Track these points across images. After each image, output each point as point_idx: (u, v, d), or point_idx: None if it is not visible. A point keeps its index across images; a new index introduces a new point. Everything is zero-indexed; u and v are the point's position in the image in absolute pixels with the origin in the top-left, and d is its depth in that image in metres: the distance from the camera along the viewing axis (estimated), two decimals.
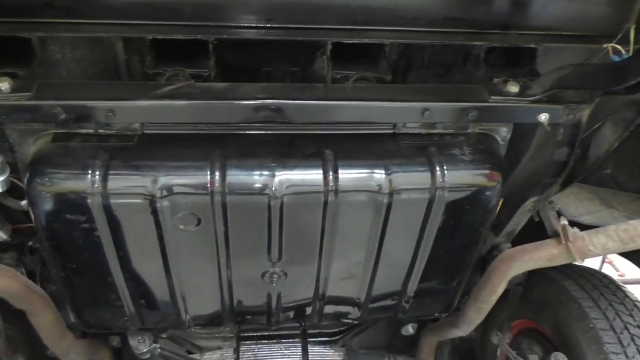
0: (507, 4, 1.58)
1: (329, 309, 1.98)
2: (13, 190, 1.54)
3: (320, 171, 1.49)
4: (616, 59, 1.53)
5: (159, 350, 2.00)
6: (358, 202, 1.53)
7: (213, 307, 1.86)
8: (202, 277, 1.71)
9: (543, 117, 1.53)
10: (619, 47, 1.52)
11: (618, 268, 6.55)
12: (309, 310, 1.97)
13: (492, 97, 1.52)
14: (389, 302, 1.99)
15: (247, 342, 2.22)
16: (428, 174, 1.53)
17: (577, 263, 2.47)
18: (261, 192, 1.47)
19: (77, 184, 1.43)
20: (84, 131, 1.48)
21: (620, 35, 1.58)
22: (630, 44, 1.54)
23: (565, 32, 1.65)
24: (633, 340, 1.92)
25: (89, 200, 1.44)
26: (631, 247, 1.60)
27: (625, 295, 2.14)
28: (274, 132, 1.54)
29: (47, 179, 1.42)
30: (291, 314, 1.98)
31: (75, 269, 1.63)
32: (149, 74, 1.55)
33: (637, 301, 2.12)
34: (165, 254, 1.60)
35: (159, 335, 2.07)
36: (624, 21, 1.60)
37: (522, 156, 1.77)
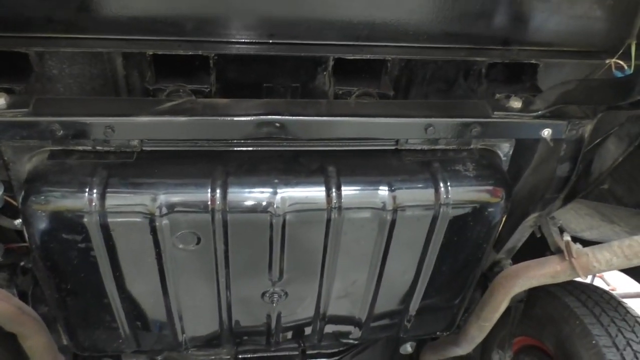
0: (508, 19, 1.58)
1: (330, 328, 1.94)
2: (6, 209, 1.50)
3: (323, 188, 1.46)
4: (618, 74, 1.53)
5: None
6: (361, 219, 1.51)
7: (211, 328, 1.81)
8: (200, 297, 1.66)
9: (546, 132, 1.53)
10: (621, 62, 1.53)
11: (609, 282, 6.57)
12: (308, 330, 1.93)
13: (495, 113, 1.51)
14: (390, 321, 1.95)
15: None
16: (432, 191, 1.51)
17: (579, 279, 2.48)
18: (263, 210, 1.44)
19: (74, 202, 1.39)
20: (81, 148, 1.44)
21: (621, 51, 1.59)
22: (632, 59, 1.55)
23: (566, 48, 1.66)
24: (636, 357, 1.91)
25: (85, 219, 1.40)
26: (635, 263, 1.58)
27: (627, 311, 2.12)
28: (276, 148, 1.52)
29: (42, 197, 1.38)
30: (291, 334, 1.94)
31: (69, 290, 1.58)
32: (149, 89, 1.53)
33: (639, 317, 2.11)
34: (163, 274, 1.56)
35: (155, 357, 2.01)
36: (625, 36, 1.61)
37: (523, 171, 1.77)
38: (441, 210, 1.53)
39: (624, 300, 2.20)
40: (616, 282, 6.49)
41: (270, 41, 1.50)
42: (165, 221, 1.42)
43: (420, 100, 1.72)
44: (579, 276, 1.67)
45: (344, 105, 1.51)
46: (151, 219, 1.41)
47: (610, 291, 2.30)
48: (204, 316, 1.75)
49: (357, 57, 1.55)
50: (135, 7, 1.40)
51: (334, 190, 1.46)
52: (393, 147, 1.56)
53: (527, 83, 1.71)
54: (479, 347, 2.60)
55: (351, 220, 1.50)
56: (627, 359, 1.90)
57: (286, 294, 1.67)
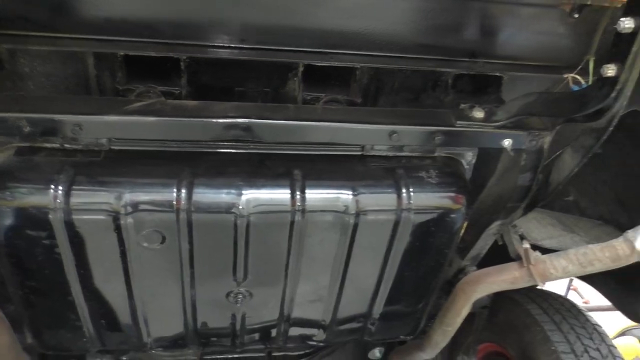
0: (476, 33, 1.63)
1: (294, 331, 1.96)
2: None
3: (288, 191, 1.49)
4: (575, 88, 1.60)
5: None
6: (325, 222, 1.54)
7: (176, 328, 1.82)
8: (165, 296, 1.67)
9: (507, 142, 1.58)
10: (578, 77, 1.59)
11: (583, 295, 6.71)
12: (274, 332, 1.95)
13: (459, 122, 1.56)
14: (354, 324, 1.98)
15: None
16: (395, 196, 1.55)
17: (540, 287, 2.54)
18: (228, 210, 1.46)
19: (39, 198, 1.40)
20: (49, 145, 1.45)
21: (580, 67, 1.65)
22: (590, 74, 1.62)
23: (530, 62, 1.72)
24: None
25: (50, 216, 1.41)
26: (589, 270, 1.64)
27: (587, 319, 2.19)
28: (244, 151, 1.54)
29: (8, 192, 1.38)
30: (256, 335, 1.95)
31: (34, 288, 1.58)
32: (119, 89, 1.54)
33: (597, 325, 2.17)
34: (127, 273, 1.57)
35: (120, 357, 2.01)
36: (584, 53, 1.68)
37: (487, 181, 1.82)
38: (403, 215, 1.57)
39: (598, 313, 2.25)
40: (590, 296, 6.62)
41: (242, 46, 1.53)
42: (130, 220, 1.43)
43: (386, 108, 1.76)
44: (536, 283, 1.72)
45: (311, 111, 1.55)
46: (116, 217, 1.42)
47: (571, 300, 2.36)
48: (169, 316, 1.76)
49: (326, 64, 1.59)
50: (107, 8, 1.42)
51: (298, 193, 1.49)
52: (359, 153, 1.60)
53: (492, 95, 1.77)
54: (445, 353, 2.65)
55: (315, 223, 1.53)
56: None
57: (251, 294, 1.69)
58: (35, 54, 1.54)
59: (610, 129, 1.40)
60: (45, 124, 1.36)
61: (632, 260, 1.59)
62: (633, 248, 1.56)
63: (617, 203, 2.24)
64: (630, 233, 1.58)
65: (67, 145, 1.45)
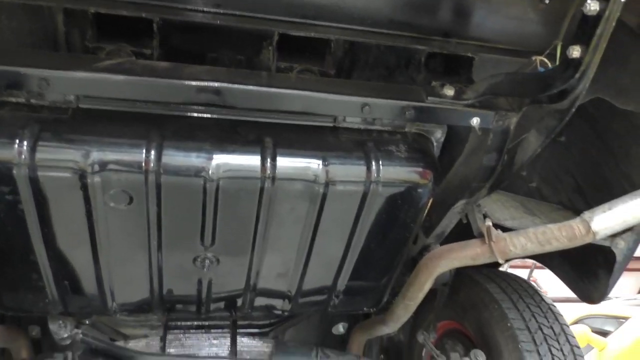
0: (450, 13, 1.65)
1: (260, 300, 1.98)
2: None
3: (259, 157, 1.50)
4: (542, 70, 1.64)
5: (81, 336, 1.92)
6: (294, 191, 1.56)
7: (141, 293, 1.82)
8: (131, 260, 1.67)
9: (475, 120, 1.62)
10: (545, 60, 1.64)
11: (541, 286, 6.93)
12: (239, 301, 1.96)
13: (430, 98, 1.58)
14: (319, 297, 2.01)
15: (175, 330, 2.18)
16: (364, 168, 1.58)
17: (501, 269, 2.62)
18: (197, 174, 1.46)
19: (3, 153, 1.37)
20: (14, 100, 1.42)
21: (547, 51, 1.70)
22: (557, 58, 1.66)
23: (501, 45, 1.75)
24: (545, 339, 2.05)
25: (14, 172, 1.38)
26: (547, 248, 1.70)
27: (542, 299, 2.27)
28: (216, 116, 1.54)
29: None
30: (221, 304, 1.97)
31: None
32: (89, 47, 1.51)
33: (552, 305, 2.26)
34: (93, 234, 1.55)
35: (82, 321, 1.99)
36: (553, 38, 1.72)
37: (455, 161, 1.86)
38: (371, 187, 1.59)
39: (554, 303, 2.34)
40: (548, 286, 6.85)
41: (217, 11, 1.51)
42: (97, 179, 1.42)
43: (359, 81, 1.77)
44: (496, 259, 1.77)
45: (284, 78, 1.55)
46: (82, 174, 1.41)
47: (530, 282, 2.45)
48: (135, 280, 1.75)
49: (301, 34, 1.58)
50: None
51: (269, 160, 1.50)
52: (331, 125, 1.61)
53: (463, 76, 1.80)
54: (407, 329, 2.72)
55: (284, 192, 1.55)
56: (537, 341, 2.04)
57: (218, 260, 1.70)
58: (1, 7, 1.49)
59: (573, 110, 1.45)
60: (10, 76, 1.33)
61: (587, 240, 1.66)
62: (589, 228, 1.63)
63: (576, 190, 2.33)
64: (587, 214, 1.65)
65: (33, 101, 1.43)
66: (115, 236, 1.58)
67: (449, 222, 2.05)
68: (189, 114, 1.52)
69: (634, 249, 1.94)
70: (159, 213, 1.52)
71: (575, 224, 1.65)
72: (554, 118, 1.54)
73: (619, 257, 1.96)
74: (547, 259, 2.42)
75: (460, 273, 2.44)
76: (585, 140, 2.21)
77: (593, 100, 1.89)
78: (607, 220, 1.61)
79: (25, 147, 1.37)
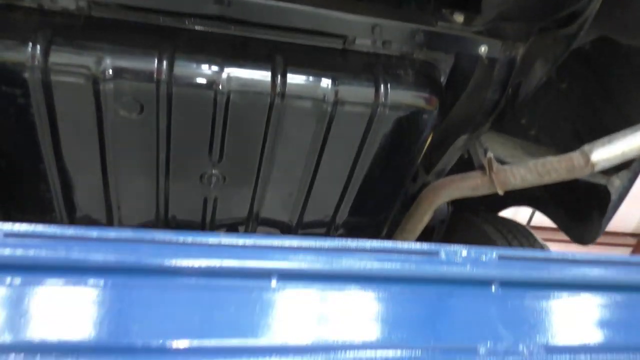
0: None
1: (261, 230, 2.02)
2: None
3: (269, 73, 1.51)
4: None
5: None
6: (303, 109, 1.57)
7: (147, 210, 1.84)
8: (139, 174, 1.69)
9: (483, 48, 1.64)
10: None
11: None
12: (241, 229, 2.00)
13: (439, 24, 1.60)
14: (319, 229, 2.05)
15: None
16: (372, 90, 1.59)
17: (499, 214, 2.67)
18: (208, 86, 1.47)
19: (16, 55, 1.37)
20: (26, 4, 1.42)
21: None
22: None
23: None
24: None
25: (27, 75, 1.39)
26: (546, 180, 1.74)
27: (535, 239, 2.33)
28: (228, 32, 1.54)
29: None
30: (223, 230, 2.00)
31: (4, 152, 1.57)
32: None
33: (545, 245, 2.32)
34: (102, 143, 1.57)
35: None
36: None
37: (459, 96, 1.88)
38: (379, 110, 1.62)
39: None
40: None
41: None
42: (109, 85, 1.43)
43: (371, 2, 1.77)
44: (496, 190, 1.82)
45: None
46: (95, 81, 1.41)
47: (524, 224, 2.51)
48: (141, 195, 1.77)
49: None
50: None
51: (279, 76, 1.51)
52: (340, 47, 1.62)
53: (472, 5, 1.80)
54: None
55: (293, 109, 1.56)
56: None
57: (224, 178, 1.73)
58: None
59: (581, 33, 1.47)
60: None
61: (586, 172, 1.70)
62: (588, 160, 1.67)
63: (575, 137, 2.36)
64: (586, 147, 1.68)
65: (45, 7, 1.42)
66: (124, 147, 1.60)
67: (450, 158, 2.08)
68: (201, 27, 1.52)
69: (628, 188, 1.99)
70: (168, 124, 1.54)
71: (575, 156, 1.69)
72: (562, 44, 1.56)
73: (614, 196, 2.01)
74: (541, 204, 2.48)
75: (457, 214, 2.50)
76: (586, 87, 2.23)
77: (595, 45, 1.91)
78: (606, 152, 1.65)
79: (38, 50, 1.37)
